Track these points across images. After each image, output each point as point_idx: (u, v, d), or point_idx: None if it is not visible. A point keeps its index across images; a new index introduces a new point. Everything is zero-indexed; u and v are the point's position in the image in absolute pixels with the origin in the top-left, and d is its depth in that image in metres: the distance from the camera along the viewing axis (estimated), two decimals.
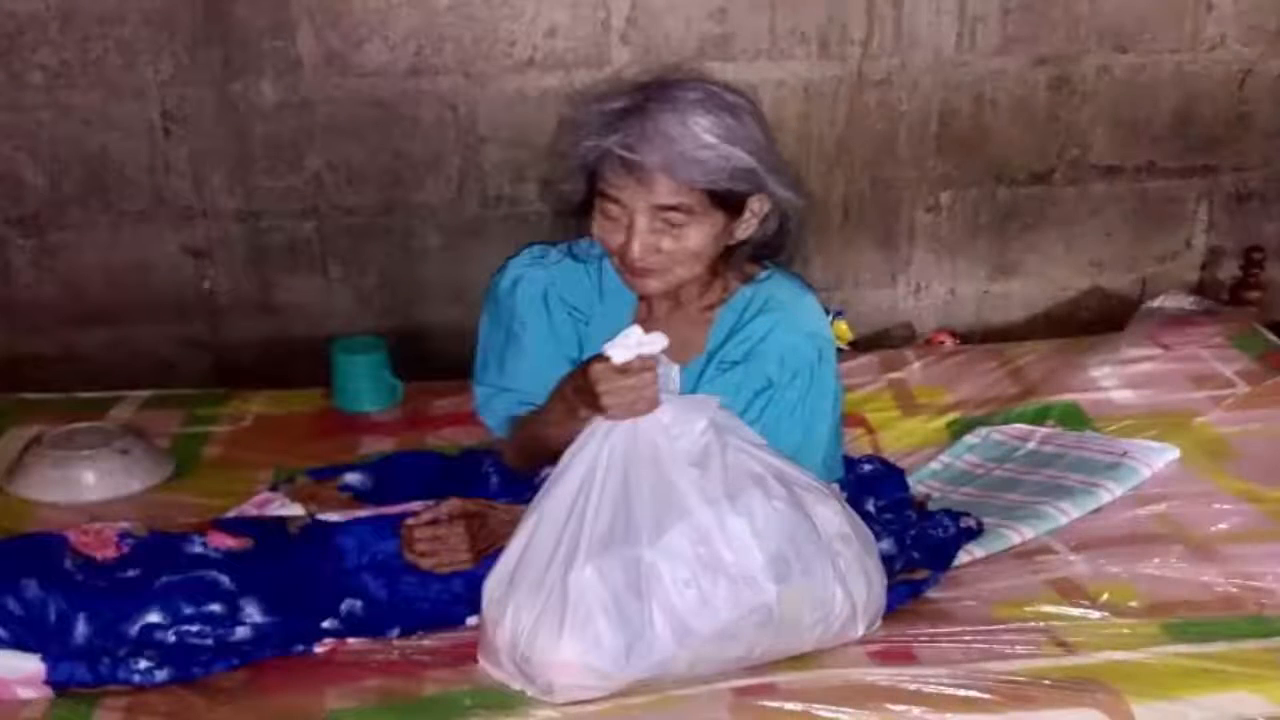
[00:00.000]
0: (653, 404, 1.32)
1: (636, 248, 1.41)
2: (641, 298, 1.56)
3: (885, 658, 1.39)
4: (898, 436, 2.03)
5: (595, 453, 1.32)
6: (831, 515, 1.40)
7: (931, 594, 1.55)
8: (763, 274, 1.56)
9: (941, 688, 1.32)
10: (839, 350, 1.85)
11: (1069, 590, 1.55)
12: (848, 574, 1.37)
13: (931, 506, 1.77)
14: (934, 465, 1.94)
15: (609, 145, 1.39)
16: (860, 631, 1.41)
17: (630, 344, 1.29)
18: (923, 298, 2.58)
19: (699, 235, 1.43)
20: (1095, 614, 1.49)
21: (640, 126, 1.37)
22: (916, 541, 1.63)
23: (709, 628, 1.29)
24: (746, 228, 1.49)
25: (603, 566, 1.27)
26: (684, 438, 1.33)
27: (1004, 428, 2.00)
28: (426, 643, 1.45)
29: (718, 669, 1.33)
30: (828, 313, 1.70)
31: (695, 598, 1.28)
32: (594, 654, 1.26)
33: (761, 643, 1.33)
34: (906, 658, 1.40)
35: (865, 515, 1.56)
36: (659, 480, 1.30)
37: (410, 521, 1.53)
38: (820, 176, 2.41)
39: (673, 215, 1.40)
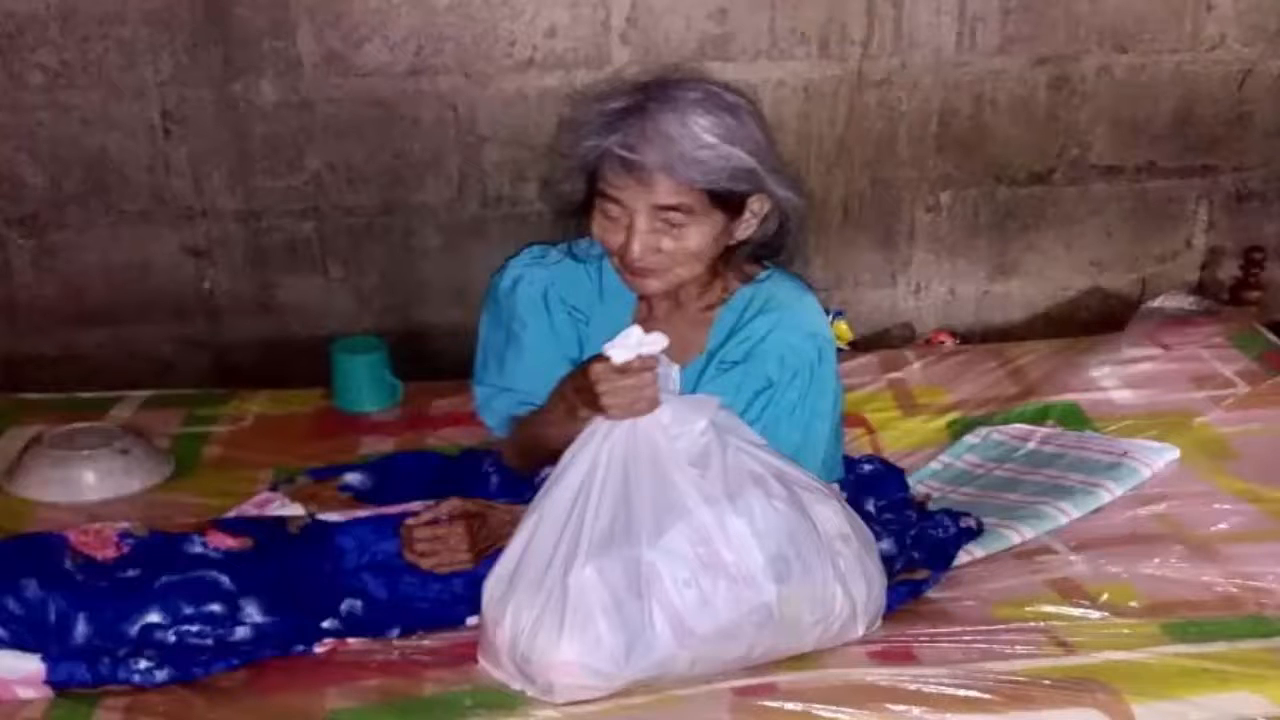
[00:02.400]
0: (653, 404, 1.32)
1: (636, 248, 1.41)
2: (641, 298, 1.56)
3: (885, 658, 1.39)
4: (898, 437, 2.02)
5: (595, 453, 1.32)
6: (831, 515, 1.40)
7: (931, 594, 1.55)
8: (763, 274, 1.56)
9: (941, 688, 1.32)
10: (839, 350, 1.85)
11: (1069, 590, 1.55)
12: (848, 574, 1.37)
13: (931, 506, 1.77)
14: (934, 465, 1.94)
15: (609, 145, 1.39)
16: (860, 631, 1.41)
17: (630, 344, 1.29)
18: (923, 298, 2.58)
19: (699, 235, 1.43)
20: (1095, 614, 1.49)
21: (640, 126, 1.38)
22: (916, 541, 1.63)
23: (709, 628, 1.29)
24: (746, 228, 1.49)
25: (603, 566, 1.27)
26: (684, 438, 1.33)
27: (1004, 428, 2.00)
28: (426, 642, 1.45)
29: (718, 669, 1.33)
30: (828, 313, 1.70)
31: (695, 598, 1.28)
32: (594, 654, 1.26)
33: (761, 643, 1.33)
34: (906, 658, 1.40)
35: (865, 515, 1.56)
36: (659, 480, 1.30)
37: (410, 521, 1.53)
38: (820, 176, 2.41)
39: (672, 215, 1.40)
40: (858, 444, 1.96)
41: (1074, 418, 2.02)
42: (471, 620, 1.44)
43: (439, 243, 2.38)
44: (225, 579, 1.44)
